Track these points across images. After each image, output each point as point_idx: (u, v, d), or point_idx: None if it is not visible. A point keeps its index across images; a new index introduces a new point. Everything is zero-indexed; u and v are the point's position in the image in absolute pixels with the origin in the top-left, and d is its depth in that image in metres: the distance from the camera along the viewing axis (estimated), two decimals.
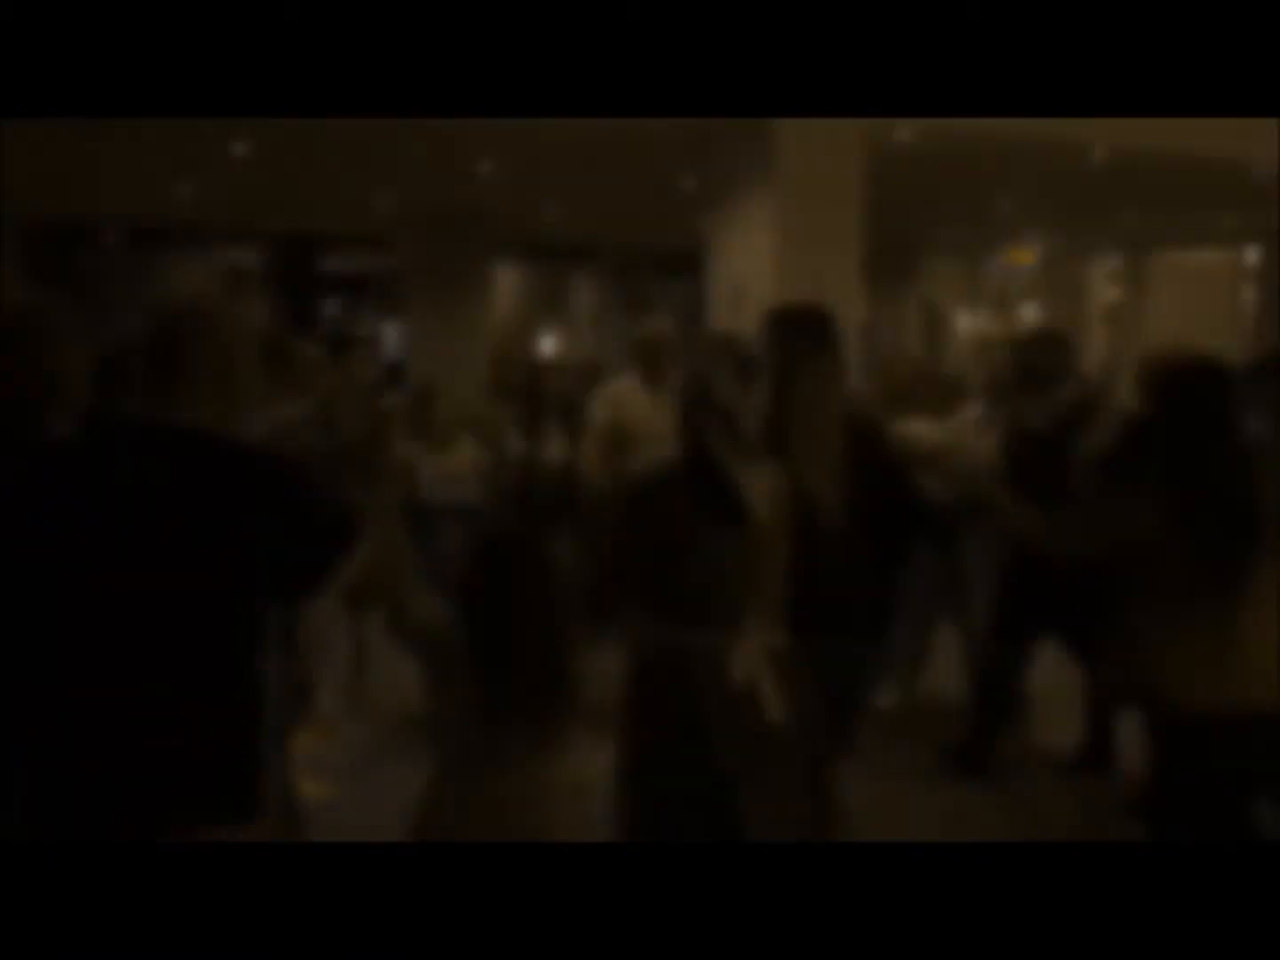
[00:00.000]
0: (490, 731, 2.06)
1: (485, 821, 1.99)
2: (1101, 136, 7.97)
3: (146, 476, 1.83)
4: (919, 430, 4.35)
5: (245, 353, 2.01)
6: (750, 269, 7.08)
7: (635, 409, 4.47)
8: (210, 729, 1.82)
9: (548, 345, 15.74)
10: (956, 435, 4.47)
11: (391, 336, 15.81)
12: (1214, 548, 2.39)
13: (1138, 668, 2.50)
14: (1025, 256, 16.68)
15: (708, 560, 2.45)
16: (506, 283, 15.84)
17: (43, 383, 2.09)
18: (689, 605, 2.47)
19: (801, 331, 2.91)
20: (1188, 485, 2.44)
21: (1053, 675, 4.65)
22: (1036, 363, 3.94)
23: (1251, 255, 14.89)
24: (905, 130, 7.56)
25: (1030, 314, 18.01)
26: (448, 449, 5.07)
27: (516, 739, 2.05)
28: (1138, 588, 2.49)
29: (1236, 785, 2.33)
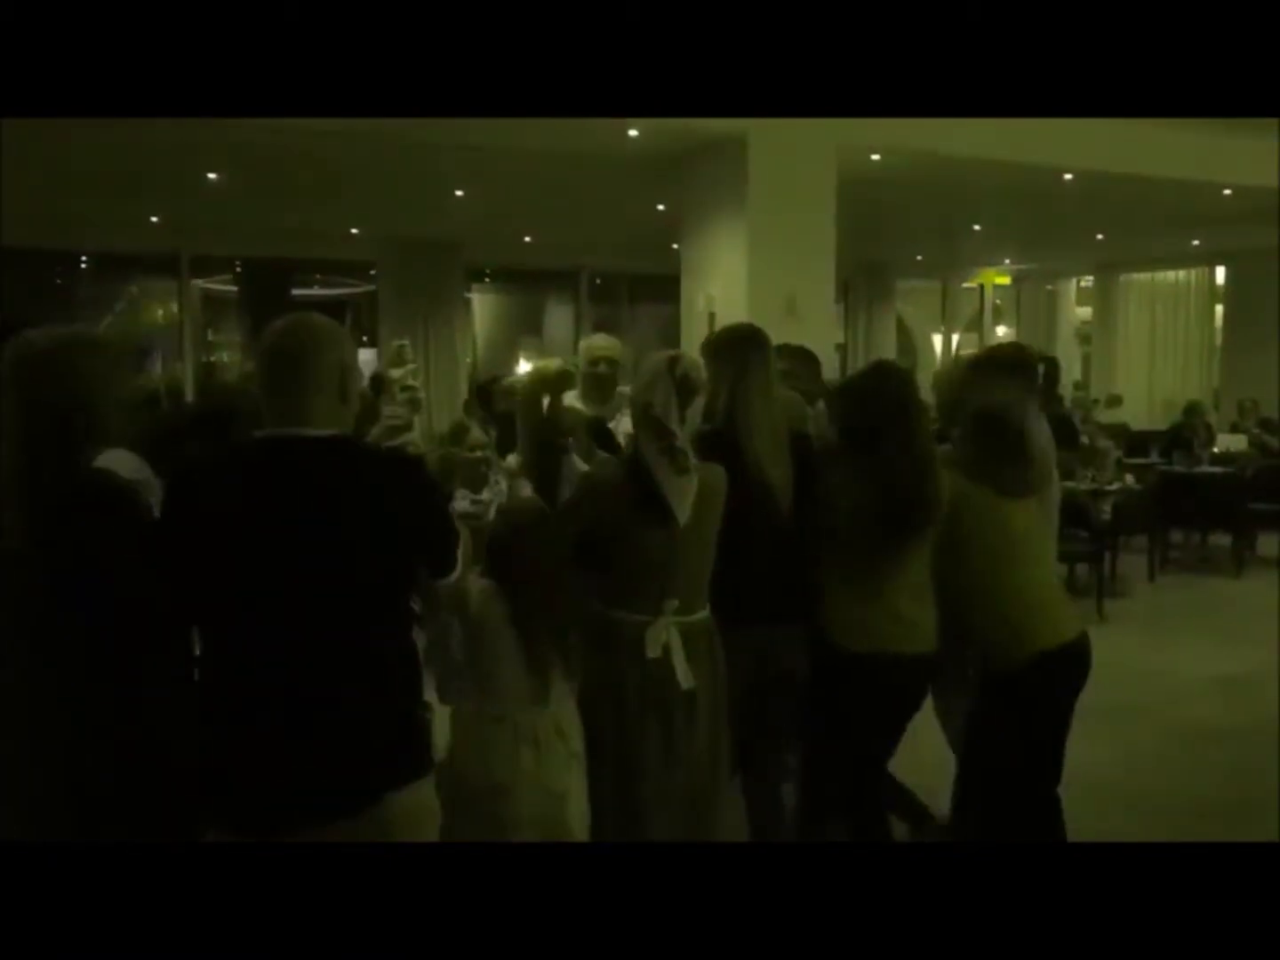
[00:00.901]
0: (532, 677, 2.70)
1: (538, 754, 2.64)
2: (1073, 159, 8.08)
3: (314, 481, 2.04)
4: None
5: (355, 366, 2.19)
6: (724, 291, 7.12)
7: None
8: (389, 698, 2.07)
9: (524, 370, 15.76)
10: None
11: (367, 362, 15.80)
12: (873, 524, 3.06)
13: (818, 617, 3.18)
14: (1000, 278, 16.84)
15: (635, 553, 2.90)
16: (483, 308, 15.88)
17: (80, 417, 2.13)
18: (618, 588, 2.94)
19: (749, 348, 3.27)
20: (861, 478, 3.10)
21: None
22: None
23: (1221, 275, 15.07)
24: (879, 153, 7.64)
25: (1003, 334, 18.17)
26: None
27: (555, 681, 2.74)
28: (827, 555, 3.20)
29: (876, 711, 3.13)
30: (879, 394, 3.21)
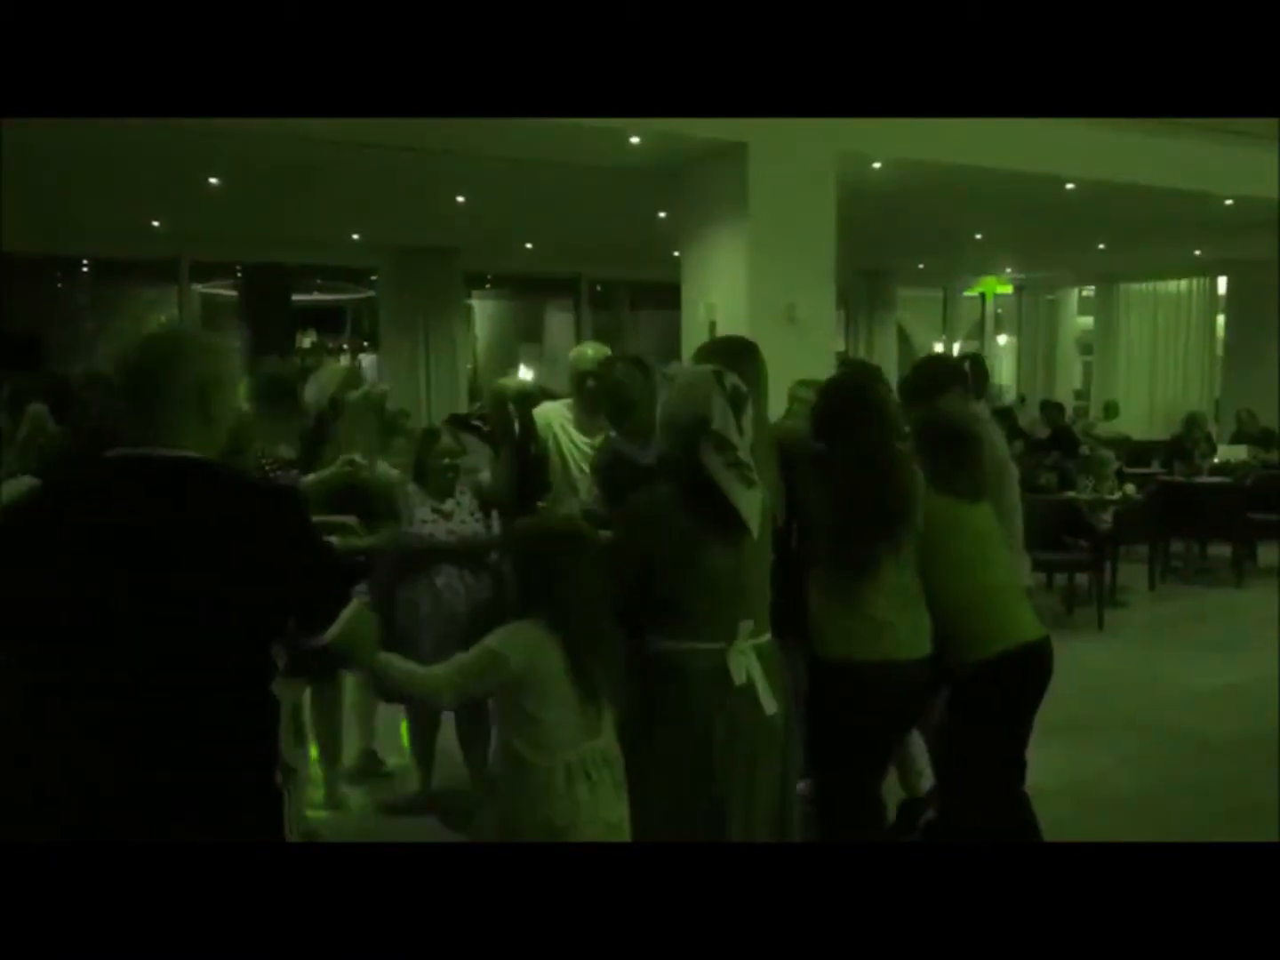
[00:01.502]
0: (584, 708, 2.56)
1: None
2: (1074, 169, 8.08)
3: (157, 506, 1.84)
4: None
5: (224, 383, 1.99)
6: (724, 299, 7.12)
7: (561, 430, 4.43)
8: (227, 766, 1.83)
9: (523, 377, 15.78)
10: None
11: (367, 368, 15.81)
12: (853, 538, 3.10)
13: (806, 628, 3.19)
14: (1001, 287, 16.85)
15: (706, 577, 2.75)
16: (483, 315, 15.89)
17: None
18: (687, 618, 2.77)
19: (740, 361, 3.19)
20: (840, 491, 3.14)
21: None
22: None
23: (1222, 285, 15.08)
24: (880, 162, 7.64)
25: (1004, 343, 18.18)
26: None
27: (605, 710, 2.62)
28: (814, 570, 3.22)
29: (861, 716, 3.12)
30: (844, 388, 3.32)
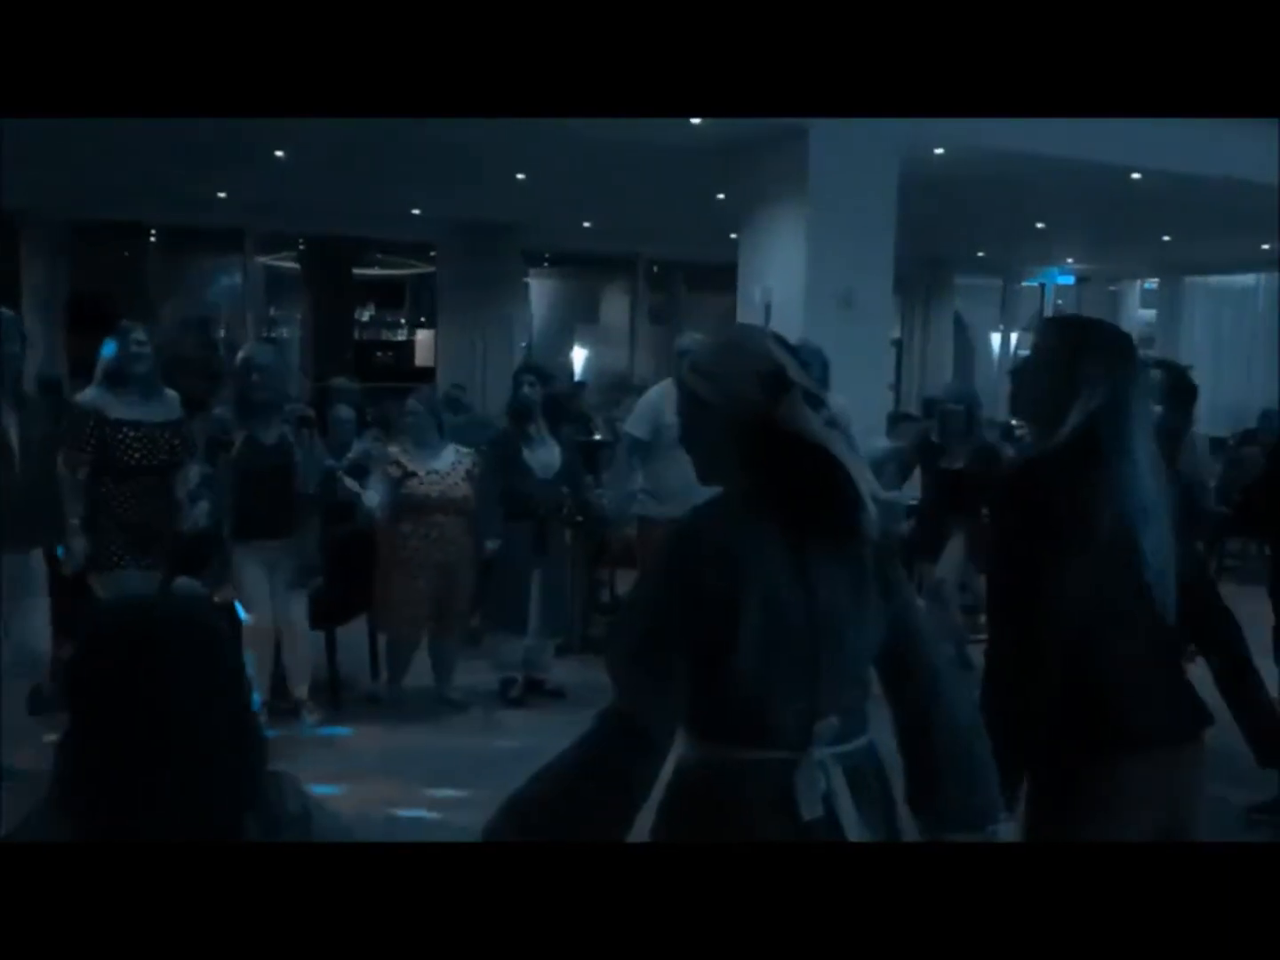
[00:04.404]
0: None
1: None
2: (1141, 159, 7.96)
3: None
4: None
5: None
6: (781, 283, 7.11)
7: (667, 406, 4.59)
8: None
9: (579, 357, 15.83)
10: None
11: (425, 343, 15.94)
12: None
13: None
14: (1062, 277, 16.63)
15: (773, 624, 1.72)
16: (540, 293, 15.95)
17: None
18: (742, 708, 1.77)
19: (1124, 355, 2.42)
20: None
21: None
22: None
23: None
24: (942, 149, 7.58)
25: None
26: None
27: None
28: None
29: None
30: None
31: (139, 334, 4.83)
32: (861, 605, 1.80)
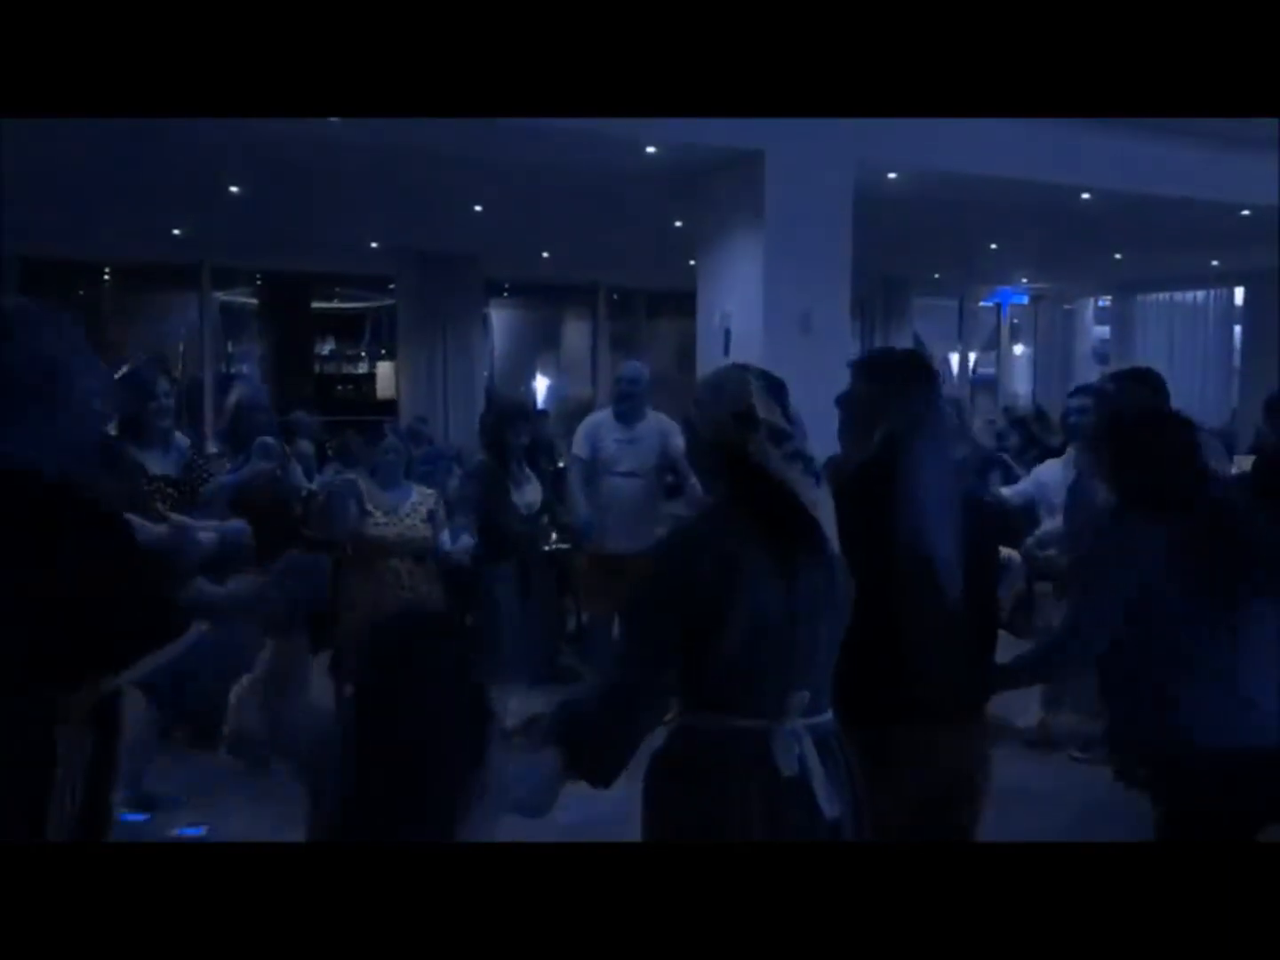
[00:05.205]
0: None
1: None
2: (1090, 179, 8.08)
3: None
4: None
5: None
6: (740, 307, 7.14)
7: (604, 435, 4.68)
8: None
9: (542, 385, 15.82)
10: None
11: (386, 375, 15.87)
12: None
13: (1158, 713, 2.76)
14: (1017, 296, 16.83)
15: (755, 620, 2.10)
16: (501, 323, 15.94)
17: None
18: (726, 681, 2.14)
19: (916, 378, 2.81)
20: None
21: None
22: None
23: (1239, 296, 15.01)
24: (896, 172, 7.66)
25: (1020, 354, 18.13)
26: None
27: None
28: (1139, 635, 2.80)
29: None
30: (1167, 444, 2.83)
31: (164, 384, 4.65)
32: (831, 598, 2.20)
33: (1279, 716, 2.64)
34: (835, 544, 2.18)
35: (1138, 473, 2.82)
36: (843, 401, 2.81)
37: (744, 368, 2.39)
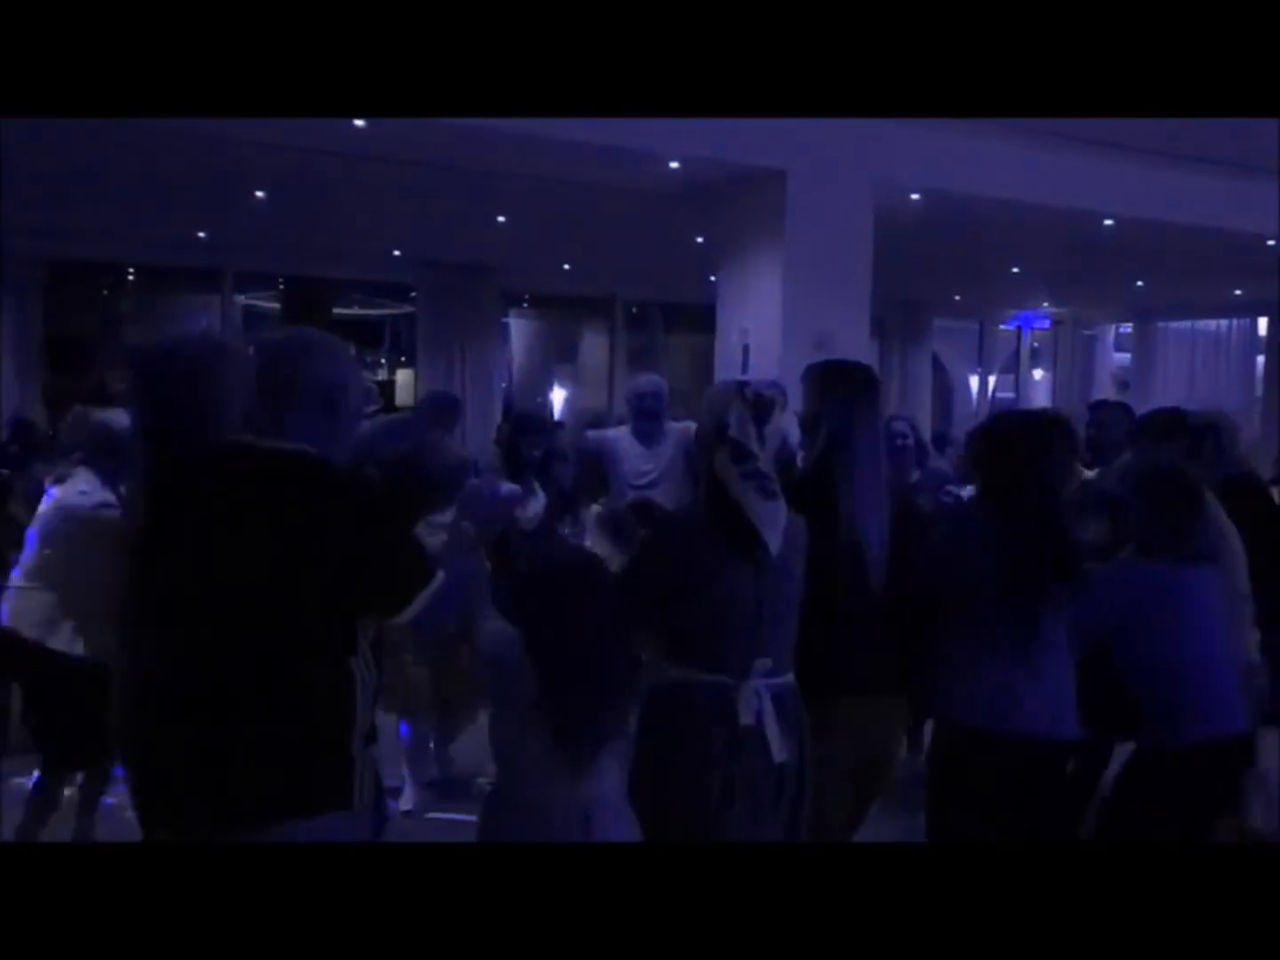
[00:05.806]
0: (557, 745, 2.28)
1: (550, 832, 2.25)
2: (1114, 206, 8.05)
3: (244, 491, 2.01)
4: None
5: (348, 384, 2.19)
6: (758, 324, 7.14)
7: (625, 457, 4.64)
8: (305, 724, 1.98)
9: (558, 397, 15.85)
10: None
11: (405, 382, 15.92)
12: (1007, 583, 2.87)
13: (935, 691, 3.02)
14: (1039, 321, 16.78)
15: (721, 600, 2.59)
16: (519, 334, 15.98)
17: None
18: (697, 645, 2.63)
19: (853, 386, 3.08)
20: (996, 530, 2.91)
21: None
22: None
23: (1263, 326, 14.93)
24: (918, 193, 7.65)
25: (1040, 378, 18.08)
26: None
27: (585, 752, 2.30)
28: (945, 622, 3.03)
29: (986, 794, 2.80)
30: (1019, 438, 2.98)
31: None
32: (792, 577, 2.67)
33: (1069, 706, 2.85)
34: (779, 547, 2.58)
35: (987, 466, 3.08)
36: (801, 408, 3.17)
37: (740, 384, 2.72)
